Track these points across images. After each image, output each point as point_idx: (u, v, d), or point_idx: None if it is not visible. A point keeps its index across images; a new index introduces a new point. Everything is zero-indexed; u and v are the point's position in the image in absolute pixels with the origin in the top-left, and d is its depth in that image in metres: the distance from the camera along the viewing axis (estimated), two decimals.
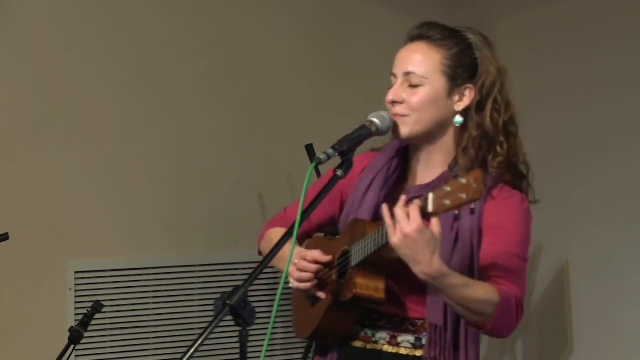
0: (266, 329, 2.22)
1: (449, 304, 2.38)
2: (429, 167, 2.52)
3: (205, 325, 2.34)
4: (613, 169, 4.17)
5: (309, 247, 2.63)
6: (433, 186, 2.45)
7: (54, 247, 4.13)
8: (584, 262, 4.29)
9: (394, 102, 2.48)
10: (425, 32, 2.50)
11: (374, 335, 2.55)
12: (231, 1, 4.49)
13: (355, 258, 2.45)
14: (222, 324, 2.14)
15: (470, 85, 2.49)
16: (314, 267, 2.52)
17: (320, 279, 2.55)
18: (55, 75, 4.14)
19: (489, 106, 2.49)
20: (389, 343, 2.53)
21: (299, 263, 2.52)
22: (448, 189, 2.18)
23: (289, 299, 2.77)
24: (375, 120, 2.45)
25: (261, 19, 4.54)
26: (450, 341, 2.45)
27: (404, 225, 2.22)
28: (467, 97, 2.49)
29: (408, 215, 2.22)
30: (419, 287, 2.45)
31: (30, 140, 4.10)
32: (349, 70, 4.63)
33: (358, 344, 2.57)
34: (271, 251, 2.28)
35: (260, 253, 2.82)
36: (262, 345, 2.25)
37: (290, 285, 2.57)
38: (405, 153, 2.60)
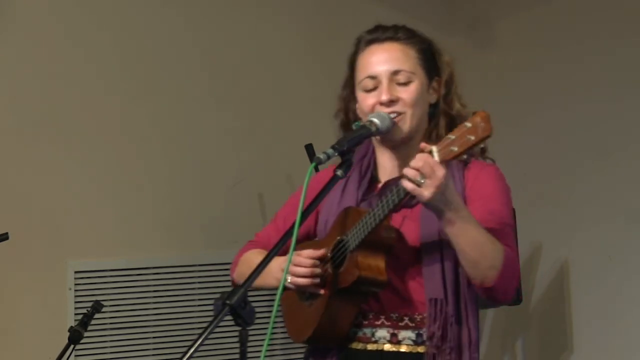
0: (266, 329, 2.21)
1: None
2: (406, 162, 2.44)
3: (205, 325, 2.33)
4: (613, 169, 4.17)
5: None
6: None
7: (54, 247, 4.13)
8: (584, 262, 4.29)
9: (390, 102, 2.50)
10: (393, 34, 2.59)
11: (373, 335, 2.53)
12: (231, 1, 4.50)
13: (354, 241, 2.44)
14: (222, 323, 2.14)
15: (438, 79, 2.58)
16: (310, 261, 2.50)
17: (316, 277, 2.52)
18: (55, 75, 4.14)
19: (454, 96, 2.58)
20: (390, 341, 2.51)
21: (294, 258, 2.50)
22: (452, 136, 2.21)
23: None
24: (375, 120, 2.47)
25: (261, 19, 4.54)
26: (452, 314, 2.44)
27: (435, 174, 2.24)
28: (437, 90, 2.58)
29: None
30: (415, 270, 2.47)
31: (31, 139, 4.10)
32: None
33: (358, 345, 2.54)
34: (270, 252, 2.28)
35: (233, 281, 2.79)
36: (262, 345, 2.25)
37: (287, 283, 2.55)
38: (371, 157, 2.62)
